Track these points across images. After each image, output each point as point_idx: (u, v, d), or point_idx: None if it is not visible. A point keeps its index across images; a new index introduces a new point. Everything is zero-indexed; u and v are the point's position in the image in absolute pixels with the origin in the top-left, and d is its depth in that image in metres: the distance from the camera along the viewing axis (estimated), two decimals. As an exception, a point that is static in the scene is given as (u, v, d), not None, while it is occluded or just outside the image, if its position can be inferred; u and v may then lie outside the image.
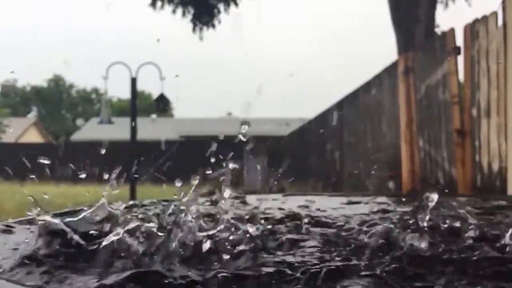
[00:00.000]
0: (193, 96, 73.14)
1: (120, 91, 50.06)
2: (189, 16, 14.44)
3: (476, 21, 5.20)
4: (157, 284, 0.69)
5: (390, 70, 7.79)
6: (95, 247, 0.84)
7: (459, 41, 5.59)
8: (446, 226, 0.94)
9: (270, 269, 0.73)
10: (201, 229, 0.87)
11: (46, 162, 1.06)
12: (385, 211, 1.33)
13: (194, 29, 14.56)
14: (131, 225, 0.85)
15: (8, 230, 1.10)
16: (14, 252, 0.88)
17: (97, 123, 20.40)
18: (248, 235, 0.86)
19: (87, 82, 62.65)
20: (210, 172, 1.00)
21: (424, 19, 9.38)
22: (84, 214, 0.93)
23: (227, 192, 0.96)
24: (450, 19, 10.97)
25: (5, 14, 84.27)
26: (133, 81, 13.04)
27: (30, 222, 1.16)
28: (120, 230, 0.84)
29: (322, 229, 1.02)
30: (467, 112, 5.38)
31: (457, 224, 0.95)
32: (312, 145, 14.26)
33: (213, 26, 14.58)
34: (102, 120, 16.78)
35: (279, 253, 0.85)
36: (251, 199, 1.60)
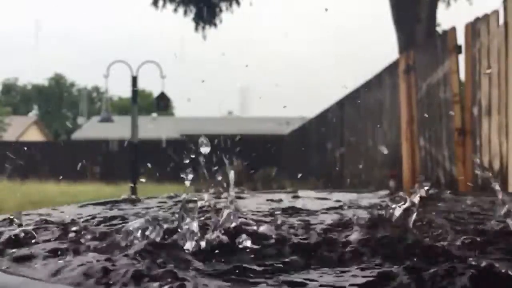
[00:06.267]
0: (193, 95, 73.14)
1: (120, 90, 50.14)
2: (191, 15, 14.43)
3: (477, 20, 5.19)
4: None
5: (391, 69, 7.77)
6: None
7: (460, 40, 5.59)
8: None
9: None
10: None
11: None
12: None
13: (196, 28, 14.54)
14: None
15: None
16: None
17: (97, 121, 20.39)
18: None
19: (88, 81, 62.65)
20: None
21: (425, 18, 9.37)
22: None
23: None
24: (451, 18, 10.96)
25: (6, 13, 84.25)
26: (134, 79, 13.04)
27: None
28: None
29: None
30: (468, 111, 5.37)
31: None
32: (312, 144, 14.25)
33: (215, 25, 14.57)
34: (103, 118, 16.77)
35: None
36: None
